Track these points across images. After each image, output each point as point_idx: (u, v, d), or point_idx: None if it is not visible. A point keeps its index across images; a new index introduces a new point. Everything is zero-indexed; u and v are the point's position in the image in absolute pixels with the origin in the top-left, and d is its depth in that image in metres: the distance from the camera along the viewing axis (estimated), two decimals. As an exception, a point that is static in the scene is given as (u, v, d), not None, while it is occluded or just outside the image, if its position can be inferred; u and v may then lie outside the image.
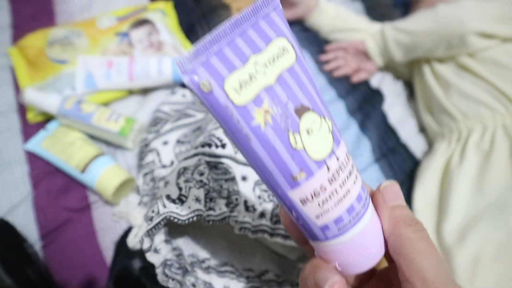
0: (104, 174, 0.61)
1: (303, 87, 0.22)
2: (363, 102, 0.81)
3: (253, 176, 0.52)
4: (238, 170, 0.51)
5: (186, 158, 0.50)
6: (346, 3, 0.99)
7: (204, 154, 0.50)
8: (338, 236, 0.24)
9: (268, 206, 0.50)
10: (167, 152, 0.61)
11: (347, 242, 0.24)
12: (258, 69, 0.21)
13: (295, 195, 0.23)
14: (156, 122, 0.67)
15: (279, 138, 0.21)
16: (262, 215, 0.49)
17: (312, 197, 0.22)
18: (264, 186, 0.52)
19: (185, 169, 0.49)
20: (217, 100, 0.20)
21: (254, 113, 0.21)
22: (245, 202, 0.49)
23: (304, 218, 0.24)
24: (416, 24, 0.78)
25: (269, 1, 0.22)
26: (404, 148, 0.78)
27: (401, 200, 0.27)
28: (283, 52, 0.22)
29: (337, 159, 0.23)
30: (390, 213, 0.26)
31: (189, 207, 0.45)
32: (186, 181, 0.47)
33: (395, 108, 0.83)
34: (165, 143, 0.62)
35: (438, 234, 0.64)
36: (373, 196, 0.27)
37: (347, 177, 0.23)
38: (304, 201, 0.23)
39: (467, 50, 0.75)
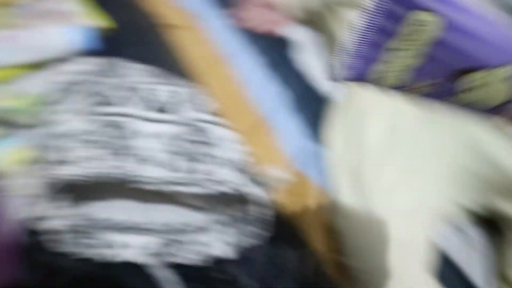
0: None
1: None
2: (279, 55, 0.83)
3: (166, 132, 0.52)
4: (148, 128, 0.51)
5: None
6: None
7: (100, 114, 0.50)
8: None
9: (183, 161, 0.51)
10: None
11: None
12: None
13: None
14: (59, 92, 0.65)
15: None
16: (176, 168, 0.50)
17: None
18: (180, 142, 0.52)
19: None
20: None
21: None
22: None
23: None
24: None
25: None
26: (321, 94, 0.81)
27: None
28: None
29: None
30: None
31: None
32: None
33: (311, 57, 0.85)
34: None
35: (356, 167, 0.66)
36: None
37: None
38: None
39: None
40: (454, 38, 0.26)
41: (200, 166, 0.50)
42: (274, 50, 0.83)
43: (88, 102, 0.58)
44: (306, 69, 0.83)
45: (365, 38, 0.30)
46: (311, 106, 0.79)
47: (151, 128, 0.50)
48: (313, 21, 0.89)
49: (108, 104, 0.51)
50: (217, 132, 0.54)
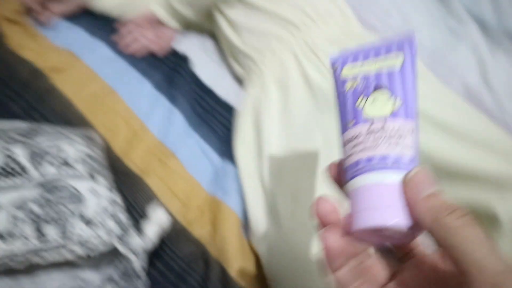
0: None
1: (393, 79, 0.30)
2: (171, 72, 0.77)
3: (8, 199, 0.46)
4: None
5: None
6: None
7: None
8: (354, 177, 0.29)
9: (28, 227, 0.44)
10: None
11: (362, 187, 0.28)
12: (368, 63, 0.31)
13: (343, 138, 0.31)
14: None
15: (352, 98, 0.31)
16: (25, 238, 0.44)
17: (352, 139, 0.30)
18: (24, 205, 0.46)
19: None
20: (335, 74, 0.33)
21: (348, 83, 0.31)
22: None
23: (343, 156, 0.31)
24: None
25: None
26: (224, 105, 0.75)
27: (433, 187, 0.25)
28: (393, 59, 0.31)
29: (384, 123, 0.29)
30: (426, 204, 0.25)
31: None
32: None
33: (207, 66, 0.79)
34: None
35: (261, 180, 0.62)
36: (404, 188, 0.26)
37: (385, 138, 0.29)
38: (345, 143, 0.31)
39: None
40: None
41: (64, 228, 0.44)
42: (159, 70, 0.77)
43: None
44: (203, 80, 0.77)
45: None
46: (214, 119, 0.73)
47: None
48: (201, 24, 0.84)
49: None
50: (79, 185, 0.47)
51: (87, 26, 0.82)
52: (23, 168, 0.47)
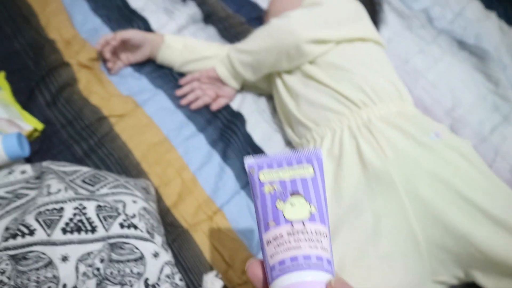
0: None
1: (306, 187, 0.33)
2: (225, 129, 0.80)
3: (75, 253, 0.48)
4: (56, 253, 0.47)
5: (-13, 258, 0.45)
6: (199, 31, 0.99)
7: (7, 248, 0.46)
8: (280, 275, 0.30)
9: (92, 283, 0.46)
10: (-5, 245, 0.55)
11: (289, 285, 0.30)
12: (282, 171, 0.34)
13: (265, 236, 0.33)
14: (-13, 211, 0.61)
15: (271, 200, 0.33)
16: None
17: (274, 239, 0.32)
18: (89, 261, 0.48)
19: (-17, 272, 0.44)
20: (253, 178, 0.34)
21: (266, 186, 0.33)
22: (64, 285, 0.45)
23: (265, 257, 0.32)
24: (255, 43, 0.78)
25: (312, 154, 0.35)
26: (272, 166, 0.77)
27: None
28: (304, 169, 0.34)
29: (303, 226, 0.32)
30: None
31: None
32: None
33: (260, 127, 0.82)
34: (-8, 234, 0.56)
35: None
36: None
37: (306, 240, 0.31)
38: (268, 242, 0.32)
39: (307, 59, 0.75)
40: None
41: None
42: (214, 126, 0.81)
43: (5, 224, 0.54)
44: (254, 139, 0.80)
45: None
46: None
47: (63, 251, 0.46)
48: (258, 86, 0.88)
49: (17, 235, 0.46)
50: (141, 246, 0.49)
51: (151, 76, 0.87)
52: (92, 224, 0.50)
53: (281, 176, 0.34)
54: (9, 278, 0.43)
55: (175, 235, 0.66)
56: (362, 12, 0.81)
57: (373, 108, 0.68)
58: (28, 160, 0.73)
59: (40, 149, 0.75)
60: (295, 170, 0.34)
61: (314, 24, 0.74)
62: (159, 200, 0.70)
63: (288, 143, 0.81)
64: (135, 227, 0.51)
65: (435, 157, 0.63)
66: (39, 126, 0.75)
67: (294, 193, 0.33)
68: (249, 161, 0.36)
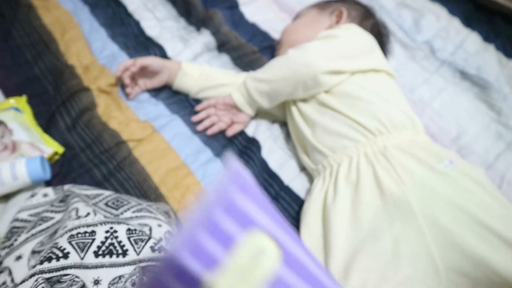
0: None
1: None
2: (241, 154, 0.82)
3: (106, 276, 0.48)
4: (88, 276, 0.48)
5: (22, 282, 0.46)
6: (213, 58, 1.02)
7: (42, 271, 0.46)
8: None
9: (125, 308, 0.46)
10: (21, 268, 0.56)
11: None
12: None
13: None
14: (12, 234, 0.61)
15: None
16: (120, 319, 0.46)
17: None
18: (120, 284, 0.48)
19: (20, 295, 0.44)
20: None
21: None
22: (98, 310, 0.46)
23: None
24: (272, 72, 0.81)
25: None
26: (288, 192, 0.79)
27: None
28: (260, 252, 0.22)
29: None
30: None
31: None
32: (20, 310, 0.43)
33: (275, 153, 0.84)
34: (18, 257, 0.56)
35: (327, 275, 0.64)
36: None
37: None
38: None
39: (323, 89, 0.78)
40: None
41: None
42: (230, 151, 0.82)
43: (32, 247, 0.55)
44: (270, 165, 0.82)
45: None
46: (278, 205, 0.76)
47: (95, 275, 0.46)
48: (272, 113, 0.90)
49: (52, 258, 0.47)
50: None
51: (167, 102, 0.89)
52: (123, 248, 0.50)
53: None
54: (46, 301, 0.43)
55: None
56: (374, 44, 0.85)
57: (388, 136, 0.71)
58: (48, 183, 0.74)
59: (60, 172, 0.76)
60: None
61: (331, 56, 0.78)
62: (178, 225, 0.71)
63: (303, 169, 0.83)
64: (166, 251, 0.52)
65: (450, 184, 0.65)
66: (60, 149, 0.77)
67: None
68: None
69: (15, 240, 0.60)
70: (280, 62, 0.81)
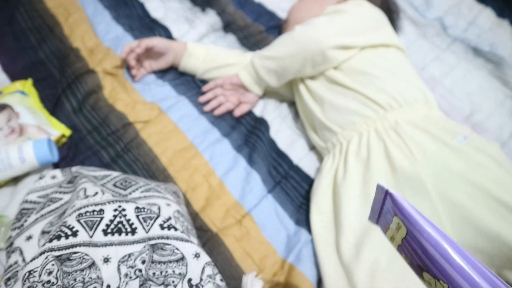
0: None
1: (414, 252, 0.29)
2: (249, 134, 0.81)
3: (116, 254, 0.48)
4: (98, 254, 0.47)
5: (32, 259, 0.46)
6: (219, 39, 1.00)
7: (52, 249, 0.46)
8: None
9: (135, 284, 0.46)
10: (32, 247, 0.55)
11: None
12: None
13: None
14: (21, 215, 0.61)
15: None
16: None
17: None
18: (130, 262, 0.48)
19: (30, 273, 0.44)
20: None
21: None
22: (108, 286, 0.45)
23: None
24: (279, 49, 0.79)
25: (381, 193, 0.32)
26: (297, 171, 0.78)
27: None
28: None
29: None
30: None
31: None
32: (30, 287, 0.43)
33: (283, 132, 0.83)
34: (29, 238, 0.56)
35: (338, 253, 0.63)
36: None
37: None
38: None
39: (332, 65, 0.76)
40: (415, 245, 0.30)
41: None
42: (238, 131, 0.81)
43: (41, 227, 0.55)
44: (278, 145, 0.81)
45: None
46: (288, 184, 0.75)
47: (105, 253, 0.46)
48: (280, 92, 0.89)
49: (61, 236, 0.46)
50: (181, 247, 0.49)
51: (174, 83, 0.88)
52: (131, 225, 0.50)
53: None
54: (57, 279, 0.43)
55: (205, 239, 0.67)
56: (383, 19, 0.83)
57: (400, 111, 0.69)
58: (56, 166, 0.73)
59: (67, 155, 0.75)
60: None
61: (339, 30, 0.76)
62: (187, 205, 0.71)
63: (312, 148, 0.82)
64: (175, 228, 0.51)
65: (464, 160, 0.63)
66: (67, 131, 0.76)
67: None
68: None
69: (25, 221, 0.60)
70: (288, 38, 0.79)
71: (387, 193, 0.32)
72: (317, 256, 0.65)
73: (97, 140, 0.77)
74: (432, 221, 0.61)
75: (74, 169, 0.69)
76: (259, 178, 0.74)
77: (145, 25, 0.99)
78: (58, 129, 0.76)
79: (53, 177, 0.68)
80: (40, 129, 0.74)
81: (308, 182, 0.76)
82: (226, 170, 0.75)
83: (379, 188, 0.33)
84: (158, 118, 0.81)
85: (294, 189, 0.75)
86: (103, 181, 0.65)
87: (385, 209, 0.33)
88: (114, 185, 0.63)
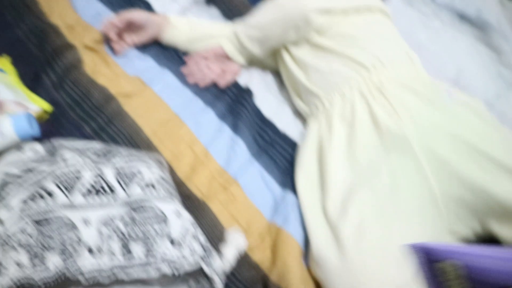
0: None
1: None
2: (234, 103, 0.80)
3: (96, 216, 0.47)
4: (77, 216, 0.47)
5: (11, 226, 0.45)
6: (202, 12, 0.98)
7: (29, 215, 0.45)
8: None
9: (116, 246, 0.45)
10: (12, 218, 0.55)
11: None
12: None
13: None
14: (2, 188, 0.60)
15: None
16: (112, 254, 0.45)
17: None
18: (112, 224, 0.47)
19: (9, 236, 0.43)
20: None
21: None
22: (89, 248, 0.45)
23: None
24: (262, 16, 0.78)
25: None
26: (283, 138, 0.77)
27: None
28: None
29: None
30: None
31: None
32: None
33: (268, 101, 0.82)
34: (10, 209, 0.56)
35: (324, 212, 0.63)
36: None
37: None
38: None
39: (314, 28, 0.75)
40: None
41: (151, 247, 0.45)
42: (222, 101, 0.80)
43: (22, 197, 0.54)
44: (263, 112, 0.80)
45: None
46: (274, 150, 0.75)
47: (84, 215, 0.45)
48: (264, 61, 0.88)
49: (37, 197, 0.46)
50: (163, 207, 0.48)
51: (156, 56, 0.87)
52: (111, 188, 0.49)
53: None
54: (34, 241, 0.42)
55: (191, 207, 0.66)
56: (366, -18, 0.82)
57: (384, 71, 0.69)
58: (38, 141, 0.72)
59: (50, 131, 0.74)
60: None
61: None
62: (172, 174, 0.70)
63: (297, 115, 0.81)
64: (156, 189, 0.51)
65: (449, 116, 0.63)
66: (48, 107, 0.75)
67: None
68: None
69: (7, 193, 0.59)
70: (269, 5, 0.78)
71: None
72: (303, 216, 0.65)
73: (79, 114, 0.76)
74: (418, 178, 0.62)
75: (56, 142, 0.68)
76: (244, 145, 0.73)
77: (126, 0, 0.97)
78: (38, 104, 0.74)
79: (35, 151, 0.67)
80: (19, 104, 0.73)
81: (294, 147, 0.76)
82: (211, 138, 0.74)
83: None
84: (141, 91, 0.80)
85: (279, 155, 0.74)
86: (86, 153, 0.64)
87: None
88: (96, 154, 0.63)
